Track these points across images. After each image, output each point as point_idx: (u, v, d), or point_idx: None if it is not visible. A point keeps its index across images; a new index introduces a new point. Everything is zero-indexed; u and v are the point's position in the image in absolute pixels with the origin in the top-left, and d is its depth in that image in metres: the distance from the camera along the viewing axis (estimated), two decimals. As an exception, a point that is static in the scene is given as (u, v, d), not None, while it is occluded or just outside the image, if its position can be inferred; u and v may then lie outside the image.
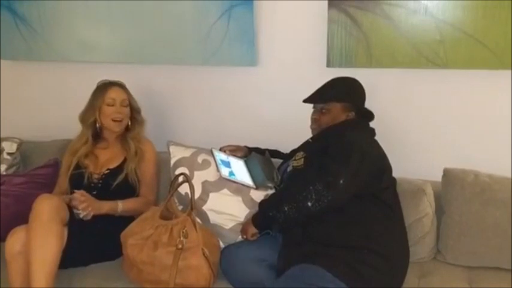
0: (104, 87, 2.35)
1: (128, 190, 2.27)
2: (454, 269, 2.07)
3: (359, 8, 2.28)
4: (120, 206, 2.20)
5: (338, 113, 2.07)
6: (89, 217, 2.11)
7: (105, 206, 2.17)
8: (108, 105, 2.31)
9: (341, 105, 2.07)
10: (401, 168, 2.10)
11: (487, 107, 2.28)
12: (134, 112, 2.39)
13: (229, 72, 2.59)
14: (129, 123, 2.38)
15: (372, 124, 2.13)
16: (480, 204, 2.05)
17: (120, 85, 2.37)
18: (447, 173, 2.17)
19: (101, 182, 2.28)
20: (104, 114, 2.31)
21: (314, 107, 2.15)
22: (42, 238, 1.92)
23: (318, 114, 2.10)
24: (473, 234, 2.05)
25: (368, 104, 2.15)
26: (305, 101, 2.13)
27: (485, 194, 2.05)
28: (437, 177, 2.21)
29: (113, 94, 2.32)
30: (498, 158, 2.24)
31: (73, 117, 2.38)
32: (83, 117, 2.36)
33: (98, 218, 2.17)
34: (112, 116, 2.31)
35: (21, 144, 2.67)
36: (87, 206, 2.09)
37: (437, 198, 2.18)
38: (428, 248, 2.13)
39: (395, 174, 2.06)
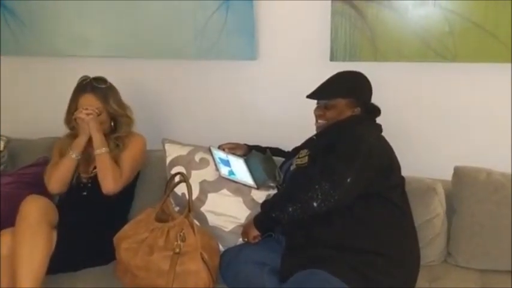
0: (77, 93, 2.22)
1: (120, 190, 2.18)
2: (466, 272, 2.00)
3: (364, -1, 2.21)
4: (103, 150, 2.13)
5: (343, 109, 2.00)
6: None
7: (97, 134, 2.13)
8: None
9: (346, 101, 2.00)
10: (408, 166, 2.02)
11: (499, 101, 2.20)
12: (114, 116, 2.25)
13: (227, 67, 2.53)
14: (112, 124, 2.27)
15: (377, 120, 2.07)
16: (493, 204, 1.98)
17: (94, 91, 2.19)
18: (458, 172, 2.10)
19: (90, 182, 2.20)
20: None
21: (318, 103, 2.08)
22: (29, 241, 1.87)
23: (322, 110, 2.03)
24: (486, 235, 1.98)
25: (373, 100, 2.09)
26: (309, 96, 2.05)
27: (498, 193, 1.98)
28: (446, 175, 2.14)
29: (83, 104, 2.18)
30: (510, 155, 2.16)
31: (63, 114, 2.29)
32: (65, 120, 2.28)
33: (89, 221, 2.11)
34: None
35: (8, 142, 2.61)
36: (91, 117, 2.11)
37: (447, 197, 2.10)
38: (439, 250, 2.06)
39: (402, 172, 1.98)
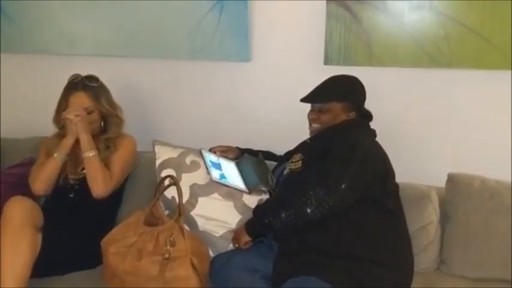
0: (67, 91, 2.17)
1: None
2: (459, 280, 1.98)
3: (360, 1, 2.19)
4: (91, 154, 2.07)
5: (338, 112, 1.97)
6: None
7: (85, 136, 2.08)
8: None
9: (341, 105, 1.97)
10: (402, 172, 1.99)
11: (494, 108, 2.19)
12: (105, 116, 2.21)
13: (220, 68, 2.49)
14: (102, 125, 2.22)
15: (371, 125, 2.03)
16: (488, 212, 1.96)
17: (85, 89, 2.15)
18: (452, 178, 2.08)
19: (77, 183, 2.15)
20: None
21: (312, 107, 2.04)
22: (12, 244, 1.82)
23: (316, 114, 1.99)
24: (481, 243, 1.96)
25: (367, 105, 2.06)
26: (303, 100, 2.01)
27: (493, 200, 1.97)
28: (439, 182, 2.12)
29: (74, 103, 2.14)
30: (505, 162, 2.15)
31: (51, 114, 2.24)
32: (54, 120, 2.23)
33: (76, 223, 2.07)
34: None
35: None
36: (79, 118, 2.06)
37: (441, 204, 2.08)
38: (432, 257, 2.04)
39: (396, 178, 1.94)
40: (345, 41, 2.24)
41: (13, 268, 1.80)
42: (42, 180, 2.10)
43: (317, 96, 1.99)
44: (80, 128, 2.07)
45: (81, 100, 2.13)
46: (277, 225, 1.77)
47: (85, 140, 2.08)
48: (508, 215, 1.93)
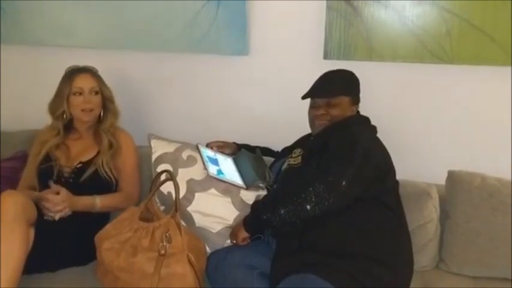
0: (70, 74, 2.17)
1: (102, 186, 2.12)
2: (458, 279, 1.97)
3: (361, -4, 2.16)
4: (98, 203, 2.05)
5: (346, 106, 1.95)
6: (65, 215, 1.95)
7: (80, 203, 2.01)
8: (76, 94, 2.14)
9: (348, 98, 1.96)
10: (403, 169, 1.97)
11: (495, 105, 2.16)
12: (106, 101, 2.21)
13: (217, 62, 2.45)
14: (101, 114, 2.22)
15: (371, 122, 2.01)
16: (488, 210, 1.94)
17: (90, 71, 2.19)
18: (452, 176, 2.06)
19: (72, 176, 2.11)
20: (72, 104, 2.15)
21: (316, 103, 1.98)
22: (4, 240, 1.76)
23: (325, 109, 1.94)
24: (481, 241, 1.95)
25: (367, 101, 2.04)
26: (307, 96, 1.97)
27: (494, 198, 1.95)
28: (439, 179, 2.10)
29: (80, 82, 2.14)
30: (506, 160, 2.13)
31: (43, 106, 2.20)
32: (51, 108, 2.19)
33: (69, 217, 2.01)
34: (80, 106, 2.14)
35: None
36: (64, 207, 1.94)
37: (441, 202, 2.06)
38: (431, 255, 2.02)
39: (396, 175, 1.91)
40: (345, 35, 2.21)
41: (6, 265, 1.74)
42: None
43: (326, 91, 1.96)
44: (73, 208, 1.99)
45: (86, 80, 2.15)
46: (275, 222, 1.73)
47: (82, 208, 2.02)
48: (508, 213, 1.91)
